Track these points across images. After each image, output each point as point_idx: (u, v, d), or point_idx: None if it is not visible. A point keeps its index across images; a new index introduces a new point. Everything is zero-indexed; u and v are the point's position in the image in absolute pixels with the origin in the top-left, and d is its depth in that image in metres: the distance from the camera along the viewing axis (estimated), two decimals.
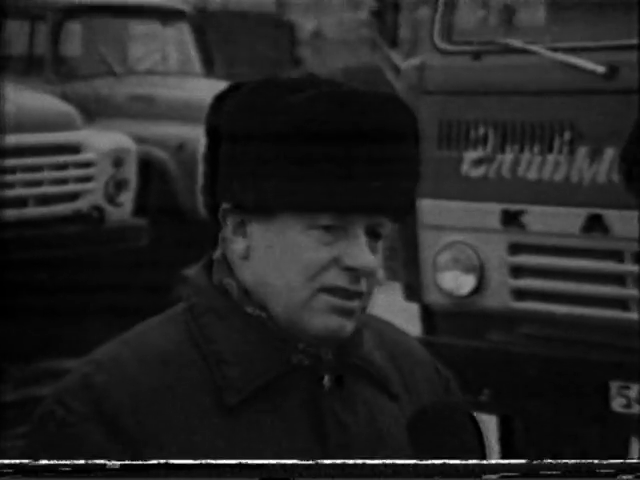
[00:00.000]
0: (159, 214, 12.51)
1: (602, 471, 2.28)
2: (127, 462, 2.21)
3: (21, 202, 11.35)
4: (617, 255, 6.08)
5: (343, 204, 2.23)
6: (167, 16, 15.40)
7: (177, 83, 14.31)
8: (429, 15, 6.57)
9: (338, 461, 2.24)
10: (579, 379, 5.98)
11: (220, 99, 2.36)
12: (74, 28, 14.53)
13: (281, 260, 2.25)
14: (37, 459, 2.24)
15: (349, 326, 2.27)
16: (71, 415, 2.22)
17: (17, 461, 2.25)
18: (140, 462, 2.23)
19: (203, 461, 2.21)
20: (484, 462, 2.29)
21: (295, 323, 2.27)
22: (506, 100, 6.26)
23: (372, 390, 2.37)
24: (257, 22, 21.41)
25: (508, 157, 6.24)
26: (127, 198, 12.06)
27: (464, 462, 2.26)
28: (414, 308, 6.68)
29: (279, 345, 2.28)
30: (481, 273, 6.38)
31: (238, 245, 2.29)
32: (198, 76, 14.72)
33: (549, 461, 2.26)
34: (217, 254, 2.35)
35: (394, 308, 6.50)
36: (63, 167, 11.68)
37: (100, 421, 2.21)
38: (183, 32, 15.18)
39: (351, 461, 2.22)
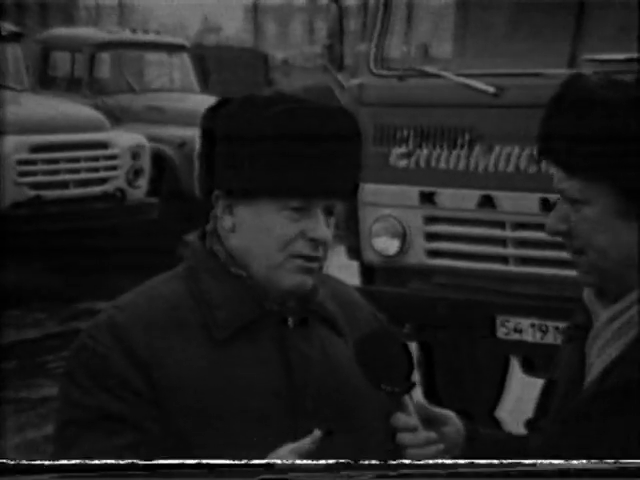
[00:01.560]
0: (166, 194, 12.54)
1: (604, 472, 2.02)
2: (128, 462, 2.09)
3: (64, 185, 11.41)
4: (501, 224, 6.10)
5: (307, 190, 2.21)
6: (172, 49, 15.56)
7: (180, 97, 14.28)
8: (366, 48, 6.55)
9: (338, 461, 2.10)
10: (474, 315, 6.02)
11: (213, 109, 2.34)
12: (104, 57, 14.56)
13: (260, 234, 2.24)
14: (74, 380, 2.24)
15: (310, 282, 2.26)
16: (99, 346, 2.21)
17: (17, 462, 2.11)
18: (140, 462, 2.09)
19: (203, 461, 2.09)
20: (484, 462, 2.09)
21: (271, 280, 2.25)
22: (422, 111, 6.25)
23: (325, 329, 2.34)
24: (240, 53, 21.36)
25: (424, 152, 6.24)
26: (143, 182, 12.09)
27: (464, 462, 2.12)
28: (355, 265, 6.68)
29: (255, 295, 2.26)
30: (404, 238, 6.37)
31: (227, 222, 2.26)
32: (196, 92, 14.70)
33: (550, 461, 2.03)
34: (209, 227, 2.32)
35: (340, 265, 6.61)
36: (95, 159, 11.70)
37: (121, 351, 2.19)
38: (184, 60, 15.25)
39: (350, 461, 2.10)
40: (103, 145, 11.78)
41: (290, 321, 2.28)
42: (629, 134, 1.91)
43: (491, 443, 2.29)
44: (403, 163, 6.32)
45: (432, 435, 2.17)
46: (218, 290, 2.27)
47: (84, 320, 9.75)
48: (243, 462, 2.09)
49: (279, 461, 2.09)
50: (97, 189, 11.68)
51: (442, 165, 6.22)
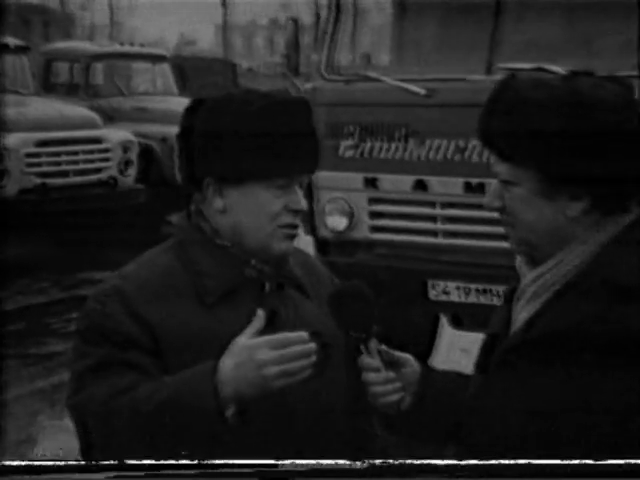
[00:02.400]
0: (152, 181, 12.52)
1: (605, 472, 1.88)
2: (129, 462, 1.97)
3: (65, 174, 11.37)
4: (431, 204, 6.11)
5: (289, 171, 2.20)
6: (155, 59, 15.48)
7: (162, 99, 14.15)
8: (318, 58, 6.53)
9: (337, 462, 1.99)
10: (410, 279, 6.03)
11: (191, 109, 2.30)
12: (98, 66, 14.49)
13: (251, 210, 2.21)
14: (85, 337, 2.20)
15: (292, 246, 2.26)
16: (107, 309, 2.18)
17: (17, 462, 1.99)
18: (140, 462, 1.97)
19: (203, 461, 1.97)
20: (483, 462, 1.94)
21: (264, 248, 2.22)
22: (366, 109, 6.23)
23: (295, 292, 2.31)
24: (212, 63, 21.22)
25: (367, 145, 6.22)
26: (131, 172, 12.05)
27: (464, 463, 1.96)
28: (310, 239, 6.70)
29: (237, 264, 2.23)
30: (351, 216, 6.37)
31: (217, 203, 2.22)
32: (175, 95, 14.60)
33: (551, 462, 1.89)
34: (193, 207, 2.28)
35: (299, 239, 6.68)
36: (91, 152, 11.65)
37: (127, 313, 2.16)
38: (165, 69, 15.17)
39: (350, 462, 1.99)
40: (98, 140, 11.75)
41: (267, 286, 2.26)
42: (551, 127, 1.89)
43: (441, 382, 2.24)
44: (350, 154, 6.29)
45: (391, 375, 2.15)
46: (205, 260, 2.24)
47: (83, 288, 9.78)
48: (243, 462, 2.00)
49: (278, 462, 2.00)
50: (93, 177, 11.66)
51: (382, 155, 6.21)
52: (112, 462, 1.99)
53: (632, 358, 1.81)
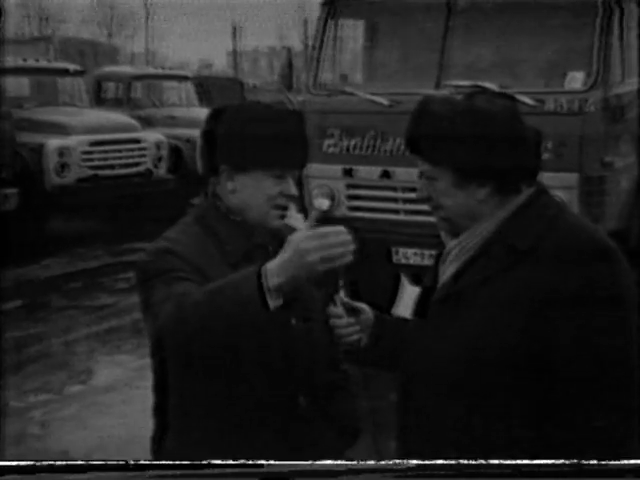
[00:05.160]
0: (179, 173, 12.47)
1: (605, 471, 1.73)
2: (131, 462, 1.71)
3: (112, 167, 11.27)
4: (394, 189, 6.10)
5: (285, 164, 2.18)
6: (181, 78, 15.34)
7: (186, 110, 14.09)
8: (307, 77, 6.54)
9: (337, 462, 1.80)
10: (378, 247, 5.99)
11: (213, 115, 2.25)
12: (137, 85, 14.39)
13: (255, 193, 2.19)
14: (147, 275, 2.07)
15: (283, 223, 2.21)
16: (160, 262, 2.08)
17: (17, 462, 1.70)
18: (142, 462, 1.73)
19: (203, 461, 1.74)
20: (482, 462, 1.77)
21: (262, 223, 2.20)
22: (344, 116, 6.22)
23: None
24: (225, 81, 21.10)
25: (345, 143, 6.20)
26: (163, 165, 11.90)
27: (464, 463, 1.79)
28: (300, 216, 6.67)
29: (246, 234, 2.21)
30: (333, 198, 6.35)
31: (229, 186, 2.20)
32: (196, 106, 14.54)
33: (549, 462, 1.76)
34: (210, 190, 2.25)
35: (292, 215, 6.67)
36: (132, 150, 11.53)
37: (175, 258, 2.08)
38: (188, 86, 15.06)
39: (350, 462, 1.81)
40: (137, 141, 11.62)
41: (270, 249, 2.22)
42: (458, 135, 1.92)
43: (391, 325, 2.23)
44: (332, 150, 6.26)
45: (351, 320, 2.15)
46: (224, 231, 2.22)
47: (127, 255, 9.77)
48: (243, 462, 1.78)
49: (278, 462, 1.82)
50: (133, 170, 11.52)
51: (357, 151, 6.19)
52: (113, 462, 1.75)
53: (528, 303, 1.86)
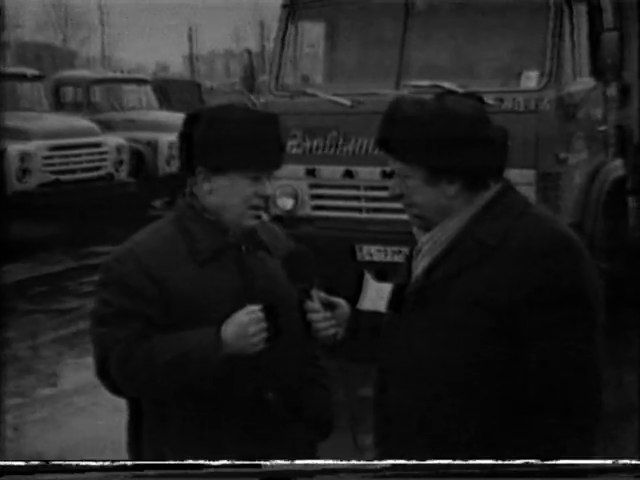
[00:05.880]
0: (140, 176, 12.44)
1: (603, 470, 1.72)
2: (130, 462, 1.78)
3: (73, 171, 11.23)
4: (357, 187, 6.12)
5: (260, 166, 2.19)
6: (140, 82, 15.26)
7: (145, 113, 14.02)
8: (268, 78, 6.56)
9: (336, 462, 1.78)
10: (342, 245, 6.02)
11: (191, 117, 2.25)
12: (96, 89, 14.33)
13: (230, 194, 2.19)
14: (105, 289, 2.15)
15: (257, 223, 2.24)
16: (123, 267, 2.16)
17: (17, 462, 1.72)
18: (141, 462, 1.78)
19: (203, 462, 1.75)
20: (482, 462, 1.75)
21: (237, 223, 2.21)
22: (306, 117, 6.22)
23: (264, 253, 2.28)
24: (183, 83, 20.95)
25: (308, 144, 6.21)
26: (124, 169, 11.86)
27: (463, 463, 1.78)
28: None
29: (220, 232, 2.22)
30: (296, 198, 6.36)
31: (206, 187, 2.20)
32: (156, 109, 14.49)
33: (547, 462, 1.74)
34: (187, 190, 2.26)
35: None
36: (92, 154, 11.49)
37: (139, 270, 2.15)
38: (147, 89, 14.99)
39: (350, 462, 1.79)
40: (97, 145, 11.56)
41: (243, 248, 2.25)
42: (428, 135, 1.96)
43: (366, 319, 2.25)
44: (295, 150, 6.25)
45: (328, 314, 2.18)
46: (197, 229, 2.22)
47: (91, 258, 9.67)
48: (243, 462, 1.79)
49: (278, 462, 1.85)
50: (94, 174, 11.48)
51: (319, 151, 6.21)
52: (113, 462, 1.77)
53: (496, 298, 1.90)
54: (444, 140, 1.96)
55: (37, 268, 9.79)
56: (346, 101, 6.04)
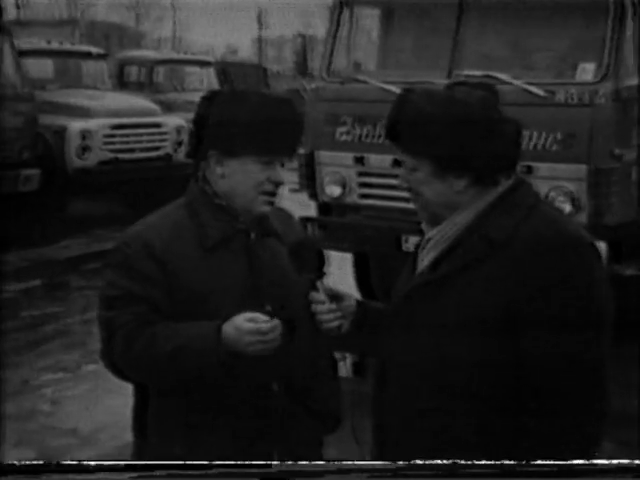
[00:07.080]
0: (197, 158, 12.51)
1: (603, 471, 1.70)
2: (130, 462, 1.72)
3: (132, 150, 11.31)
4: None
5: (273, 151, 2.16)
6: (203, 64, 15.34)
7: None
8: (321, 64, 6.49)
9: (337, 462, 1.74)
10: (388, 235, 5.94)
11: (206, 99, 2.22)
12: (160, 69, 14.41)
13: (243, 179, 2.17)
14: (112, 270, 2.14)
15: (269, 209, 2.21)
16: (130, 249, 2.15)
17: (17, 462, 1.68)
18: (141, 462, 1.73)
19: (203, 462, 1.71)
20: (482, 462, 1.73)
21: (249, 208, 2.19)
22: (356, 104, 6.16)
23: (274, 240, 2.26)
24: (248, 67, 21.09)
25: (357, 131, 6.13)
26: (183, 149, 11.96)
27: (464, 463, 1.74)
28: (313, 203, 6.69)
29: (230, 218, 2.20)
30: (344, 186, 6.31)
31: (219, 171, 2.18)
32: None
33: (544, 462, 1.73)
34: (199, 174, 2.23)
35: (304, 202, 6.67)
36: (152, 134, 11.56)
37: (146, 254, 2.13)
38: (210, 72, 15.06)
39: (349, 462, 1.73)
40: (157, 125, 11.61)
41: (252, 235, 2.23)
42: (437, 128, 1.91)
43: (372, 312, 2.24)
44: (344, 138, 6.21)
45: (333, 306, 2.14)
46: (206, 215, 2.20)
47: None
48: (243, 462, 1.76)
49: (278, 462, 1.82)
50: (153, 154, 11.53)
51: (369, 139, 6.13)
52: (113, 462, 1.73)
53: (501, 294, 1.87)
54: (452, 133, 1.91)
55: (92, 244, 9.89)
56: (397, 89, 5.90)
